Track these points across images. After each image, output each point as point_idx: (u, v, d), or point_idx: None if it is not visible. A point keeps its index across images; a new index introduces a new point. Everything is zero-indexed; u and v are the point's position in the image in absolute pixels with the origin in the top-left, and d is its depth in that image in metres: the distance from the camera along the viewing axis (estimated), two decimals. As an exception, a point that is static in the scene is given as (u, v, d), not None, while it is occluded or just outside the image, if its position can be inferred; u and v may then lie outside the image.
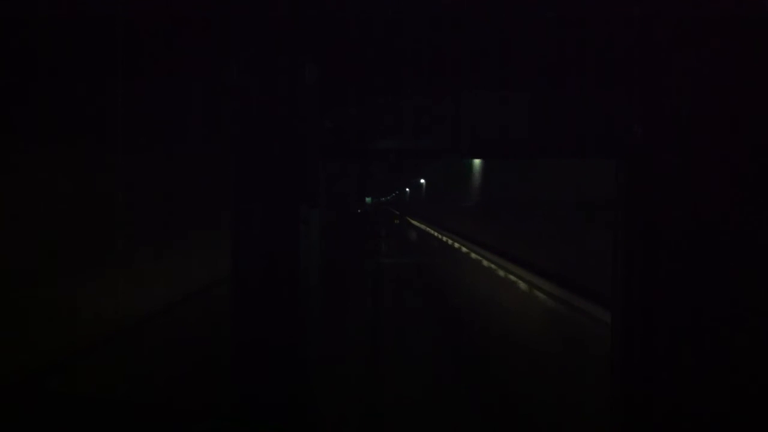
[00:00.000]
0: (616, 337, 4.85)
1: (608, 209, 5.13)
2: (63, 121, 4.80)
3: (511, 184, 11.13)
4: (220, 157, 5.31)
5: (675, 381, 4.14)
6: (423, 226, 28.40)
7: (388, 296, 15.78)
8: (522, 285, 9.20)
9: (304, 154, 4.18)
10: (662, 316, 4.27)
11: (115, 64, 4.28)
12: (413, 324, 12.42)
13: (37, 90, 4.49)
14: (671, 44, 4.13)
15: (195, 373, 6.21)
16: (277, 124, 4.07)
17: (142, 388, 5.51)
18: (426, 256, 23.15)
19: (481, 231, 13.66)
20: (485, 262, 11.98)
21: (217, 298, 7.04)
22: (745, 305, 3.61)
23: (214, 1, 3.85)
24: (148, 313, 6.37)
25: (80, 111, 4.94)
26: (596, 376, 5.70)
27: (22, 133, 4.48)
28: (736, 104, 3.71)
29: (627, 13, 3.87)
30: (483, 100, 4.79)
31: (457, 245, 15.67)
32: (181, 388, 5.90)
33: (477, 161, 14.11)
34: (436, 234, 21.50)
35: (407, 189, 50.56)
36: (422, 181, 33.29)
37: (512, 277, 9.80)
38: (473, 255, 13.30)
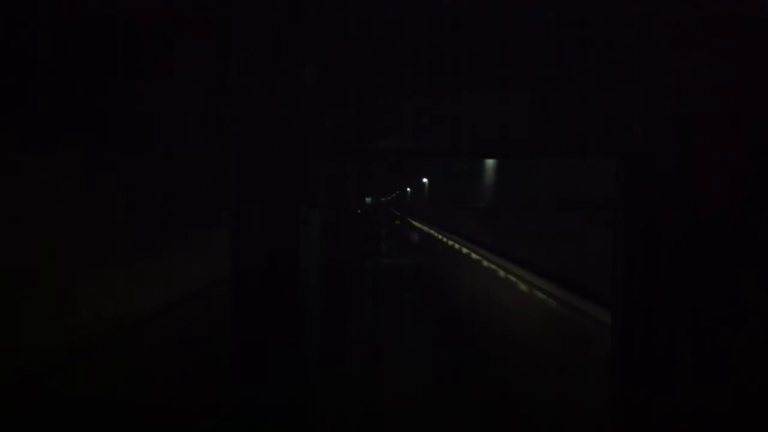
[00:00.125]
0: (616, 337, 4.85)
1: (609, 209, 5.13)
2: (63, 121, 4.80)
3: (542, 181, 10.07)
4: (220, 157, 5.30)
5: (675, 381, 4.14)
6: (425, 228, 27.84)
7: (389, 296, 15.78)
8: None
9: (304, 154, 4.17)
10: (662, 316, 4.27)
11: (115, 64, 4.28)
12: (413, 324, 12.42)
13: (37, 90, 4.49)
14: (671, 44, 4.12)
15: (195, 373, 6.21)
16: (277, 124, 4.07)
17: (142, 388, 5.51)
18: (427, 256, 23.15)
19: (495, 236, 12.89)
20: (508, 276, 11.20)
21: (217, 298, 7.05)
22: (745, 305, 3.61)
23: (214, 1, 3.85)
24: (148, 313, 6.37)
25: (80, 111, 4.93)
26: (596, 376, 5.70)
27: (22, 133, 4.48)
28: (736, 104, 3.71)
29: (627, 13, 3.87)
30: (483, 100, 4.79)
31: (468, 251, 14.93)
32: (181, 388, 5.90)
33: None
34: (442, 239, 20.61)
35: (408, 189, 50.26)
36: (425, 180, 32.63)
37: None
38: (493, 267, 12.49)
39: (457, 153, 5.30)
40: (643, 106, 4.47)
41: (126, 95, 5.07)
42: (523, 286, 8.98)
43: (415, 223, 34.33)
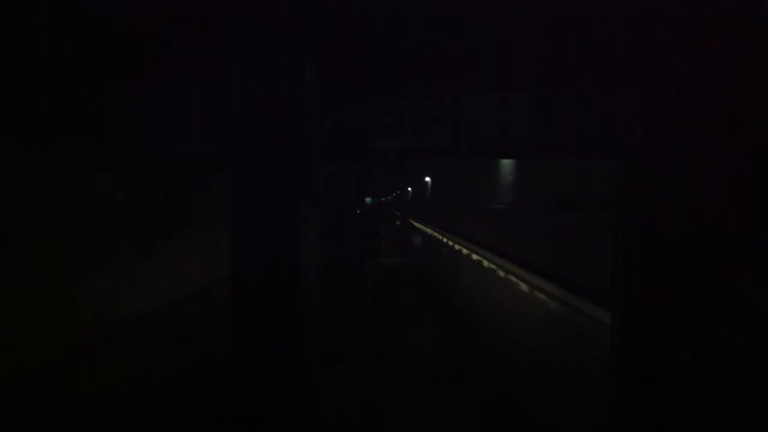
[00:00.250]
0: (616, 337, 4.85)
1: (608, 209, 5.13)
2: (63, 121, 4.80)
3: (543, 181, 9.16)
4: (220, 157, 5.30)
5: (675, 381, 4.14)
6: (428, 229, 26.99)
7: (389, 296, 15.77)
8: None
9: (304, 154, 4.17)
10: (662, 316, 4.27)
11: (115, 64, 4.28)
12: (413, 324, 12.42)
13: (37, 90, 4.49)
14: (671, 44, 4.12)
15: (195, 373, 6.21)
16: (277, 124, 4.06)
17: (142, 388, 5.51)
18: (428, 257, 23.11)
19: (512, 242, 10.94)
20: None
21: (217, 298, 7.04)
22: (745, 305, 3.61)
23: (214, 1, 3.85)
24: (148, 313, 6.37)
25: (80, 111, 4.94)
26: (596, 376, 5.70)
27: (22, 133, 4.48)
28: (736, 104, 3.71)
29: (627, 13, 3.87)
30: (483, 100, 4.79)
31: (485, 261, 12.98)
32: (181, 388, 5.90)
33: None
34: (447, 242, 19.18)
35: (409, 188, 49.94)
36: (427, 179, 31.67)
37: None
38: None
39: (457, 153, 5.29)
40: (643, 106, 4.47)
41: (126, 95, 5.07)
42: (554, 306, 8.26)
43: (417, 224, 34.04)
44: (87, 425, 2.08)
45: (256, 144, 4.09)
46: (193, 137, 7.09)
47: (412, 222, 37.67)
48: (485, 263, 12.31)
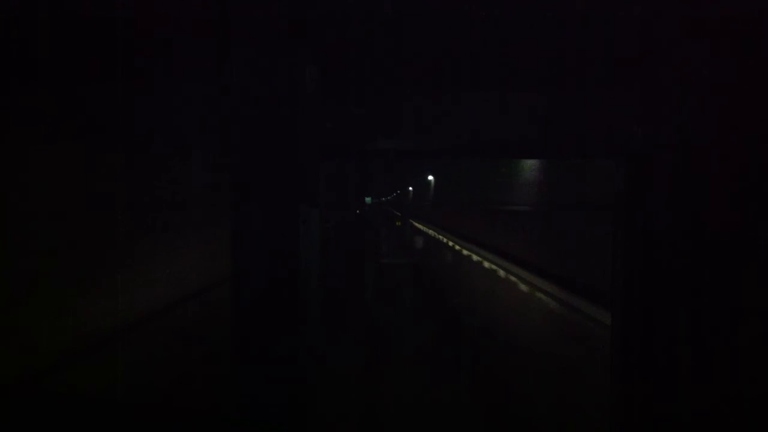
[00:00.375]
0: (616, 337, 4.85)
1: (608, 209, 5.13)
2: (63, 121, 4.80)
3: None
4: (219, 157, 5.30)
5: (675, 381, 4.14)
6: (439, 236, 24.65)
7: (389, 296, 15.78)
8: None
9: (304, 154, 4.17)
10: (662, 316, 4.27)
11: (115, 64, 4.28)
12: (413, 324, 12.42)
13: (37, 90, 4.49)
14: (671, 44, 4.12)
15: (195, 373, 6.21)
16: (277, 124, 4.06)
17: (142, 388, 5.51)
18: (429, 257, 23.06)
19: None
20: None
21: (217, 299, 7.04)
22: (745, 305, 3.61)
23: (214, 1, 3.85)
24: (148, 313, 6.37)
25: (80, 111, 4.94)
26: (596, 376, 5.70)
27: (22, 133, 4.48)
28: (736, 104, 3.71)
29: (627, 13, 3.87)
30: (483, 100, 4.79)
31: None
32: (181, 388, 5.90)
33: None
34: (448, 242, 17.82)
35: (410, 188, 49.42)
36: (430, 177, 30.47)
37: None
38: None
39: (457, 153, 5.29)
40: (643, 106, 4.47)
41: (126, 95, 5.07)
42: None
43: (419, 225, 33.72)
44: (87, 425, 2.08)
45: (256, 144, 4.08)
46: (193, 137, 7.10)
47: (414, 223, 37.30)
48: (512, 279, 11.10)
